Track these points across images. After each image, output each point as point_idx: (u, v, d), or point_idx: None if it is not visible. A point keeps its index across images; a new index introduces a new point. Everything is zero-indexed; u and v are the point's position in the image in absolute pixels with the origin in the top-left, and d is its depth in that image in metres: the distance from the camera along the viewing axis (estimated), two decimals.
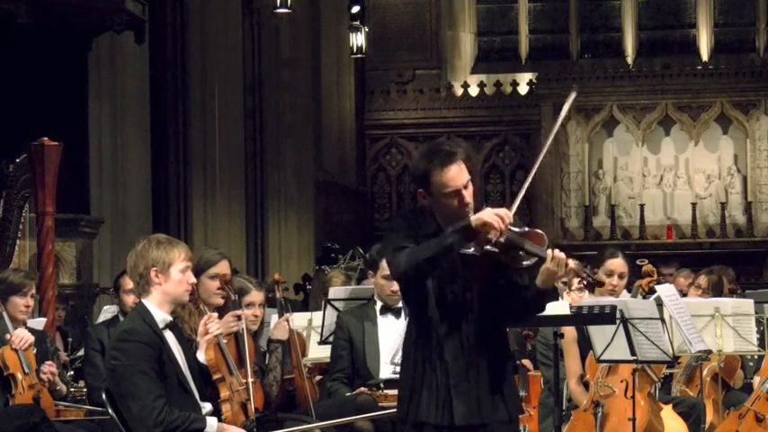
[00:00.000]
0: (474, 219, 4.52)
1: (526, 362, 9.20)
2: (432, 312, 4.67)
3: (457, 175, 4.61)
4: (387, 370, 7.17)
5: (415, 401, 4.67)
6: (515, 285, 4.68)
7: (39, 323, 7.41)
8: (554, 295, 4.85)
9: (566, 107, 5.03)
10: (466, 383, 4.63)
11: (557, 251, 4.57)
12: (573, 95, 5.14)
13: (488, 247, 4.54)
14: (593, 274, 4.72)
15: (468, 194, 4.63)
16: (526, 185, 4.80)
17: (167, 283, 5.24)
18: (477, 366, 4.65)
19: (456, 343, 4.64)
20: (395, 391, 6.63)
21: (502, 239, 4.53)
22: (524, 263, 4.57)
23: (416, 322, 4.74)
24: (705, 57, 21.37)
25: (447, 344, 4.64)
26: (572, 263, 4.62)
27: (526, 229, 4.61)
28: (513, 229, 4.56)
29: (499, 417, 4.69)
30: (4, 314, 6.85)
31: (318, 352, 7.60)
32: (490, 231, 4.50)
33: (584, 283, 6.54)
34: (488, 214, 4.51)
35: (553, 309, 5.85)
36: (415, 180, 4.75)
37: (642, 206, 20.64)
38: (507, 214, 4.52)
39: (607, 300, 6.85)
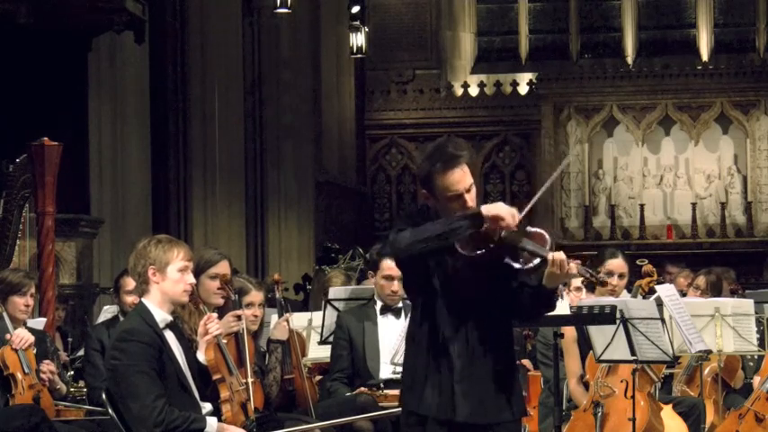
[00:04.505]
0: (485, 209, 4.47)
1: (526, 362, 9.20)
2: (437, 310, 4.62)
3: (459, 179, 4.55)
4: (387, 370, 7.17)
5: (418, 394, 4.63)
6: (525, 285, 4.65)
7: (39, 323, 7.40)
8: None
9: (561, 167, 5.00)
10: (470, 382, 4.59)
11: (556, 253, 4.51)
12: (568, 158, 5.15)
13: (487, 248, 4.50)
14: (596, 273, 4.66)
15: (470, 198, 4.57)
16: (534, 200, 4.75)
17: (164, 282, 5.25)
18: (482, 366, 4.61)
19: (462, 341, 4.60)
20: (395, 391, 6.65)
21: (504, 237, 4.48)
22: (527, 265, 4.51)
23: (421, 319, 4.68)
24: (705, 57, 21.36)
25: (452, 342, 4.60)
26: (573, 265, 4.54)
27: (529, 229, 4.56)
28: (514, 230, 4.54)
29: (504, 417, 4.65)
30: (4, 314, 6.84)
31: (318, 352, 7.61)
32: (497, 226, 4.45)
33: (587, 283, 6.51)
34: (502, 208, 4.47)
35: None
36: (418, 181, 4.70)
37: (642, 206, 20.63)
38: (517, 215, 4.47)
39: (607, 300, 6.85)
